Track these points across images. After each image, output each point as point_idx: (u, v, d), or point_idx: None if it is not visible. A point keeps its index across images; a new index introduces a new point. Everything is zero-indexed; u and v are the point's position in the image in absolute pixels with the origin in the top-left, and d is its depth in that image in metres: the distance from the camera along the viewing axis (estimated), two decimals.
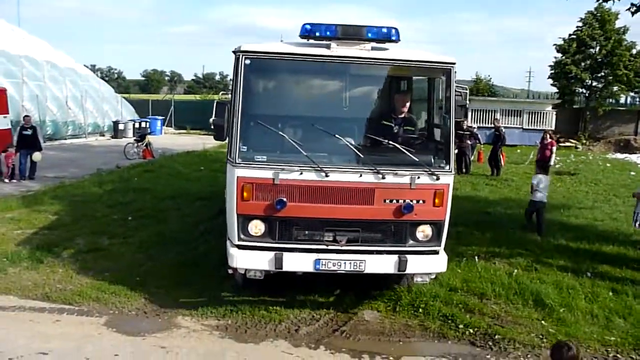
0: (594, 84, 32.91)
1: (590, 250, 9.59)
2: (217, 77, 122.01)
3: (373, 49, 6.42)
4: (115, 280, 7.78)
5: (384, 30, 6.33)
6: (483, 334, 6.55)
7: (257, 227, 6.28)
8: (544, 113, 30.78)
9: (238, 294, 7.24)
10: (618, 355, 6.21)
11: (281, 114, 6.98)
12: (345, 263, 6.28)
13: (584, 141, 31.31)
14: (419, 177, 6.29)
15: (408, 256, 6.36)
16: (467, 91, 6.99)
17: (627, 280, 8.19)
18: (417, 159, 6.33)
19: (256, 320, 6.67)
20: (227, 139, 6.33)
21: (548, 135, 17.28)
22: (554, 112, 30.59)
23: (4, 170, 15.51)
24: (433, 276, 6.86)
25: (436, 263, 6.60)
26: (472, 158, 19.70)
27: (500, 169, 18.57)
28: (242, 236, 6.30)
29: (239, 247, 6.33)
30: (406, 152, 6.34)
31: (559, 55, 33.33)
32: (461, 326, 6.70)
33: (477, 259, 8.75)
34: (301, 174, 6.14)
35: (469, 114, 30.67)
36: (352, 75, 7.08)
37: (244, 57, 6.25)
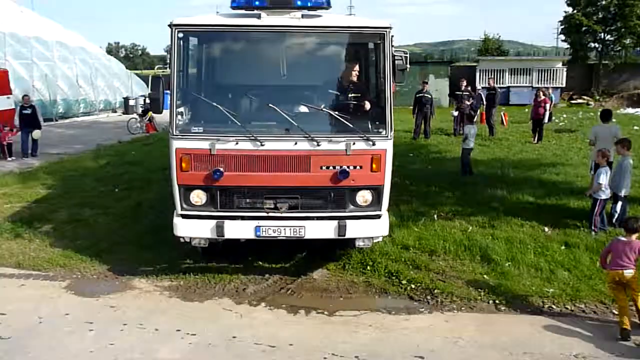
0: (607, 37, 31.85)
1: (556, 206, 9.64)
2: None
3: (304, 16, 6.46)
4: (85, 248, 8.19)
5: None
6: (424, 289, 6.77)
7: (198, 197, 6.48)
8: (554, 70, 30.11)
9: (197, 261, 7.55)
10: (553, 306, 6.36)
11: (217, 85, 7.19)
12: (285, 229, 6.44)
13: (597, 97, 30.59)
14: (354, 144, 6.34)
15: (348, 221, 6.45)
16: (407, 55, 6.97)
17: (583, 232, 8.26)
18: (352, 125, 6.37)
19: (206, 281, 6.99)
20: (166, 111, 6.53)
21: (541, 93, 17.08)
22: (565, 69, 29.88)
23: None
24: (377, 240, 6.96)
25: (377, 227, 6.67)
26: (475, 119, 19.53)
27: (493, 129, 18.40)
28: (184, 206, 6.52)
29: (183, 216, 6.56)
30: (341, 118, 6.40)
31: (570, 9, 32.30)
32: (404, 282, 6.93)
33: (436, 218, 8.90)
34: (237, 143, 6.29)
35: (477, 74, 30.34)
36: (287, 44, 7.13)
37: (176, 30, 6.35)
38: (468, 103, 18.82)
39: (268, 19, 6.37)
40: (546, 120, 17.20)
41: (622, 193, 8.43)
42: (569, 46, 33.65)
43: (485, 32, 39.43)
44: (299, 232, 6.46)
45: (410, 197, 10.26)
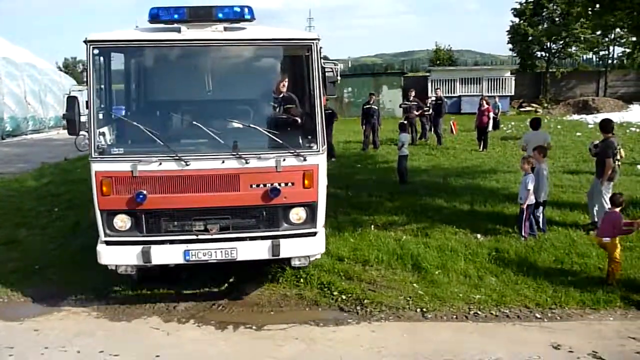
0: (553, 46, 32.97)
1: (491, 213, 9.89)
2: None
3: (227, 29, 6.25)
4: (16, 270, 7.98)
5: (236, 9, 6.16)
6: (354, 300, 6.81)
7: (122, 222, 6.16)
8: (503, 79, 30.96)
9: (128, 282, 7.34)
10: (479, 312, 6.49)
11: (138, 103, 7.06)
12: (215, 252, 6.18)
13: (545, 105, 31.54)
14: (284, 160, 6.16)
15: (282, 240, 6.24)
16: (339, 67, 6.82)
17: (514, 238, 8.49)
18: (281, 141, 6.21)
19: (135, 301, 6.89)
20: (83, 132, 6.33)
21: (484, 102, 17.55)
22: (513, 78, 30.75)
23: None
24: (313, 258, 6.73)
25: (313, 245, 6.47)
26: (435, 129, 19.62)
27: (441, 138, 18.79)
28: (107, 232, 6.18)
29: (107, 243, 6.22)
30: (269, 133, 6.27)
31: (516, 19, 33.32)
32: (335, 293, 6.96)
33: (372, 228, 9.01)
34: (160, 164, 6.03)
35: (429, 84, 30.96)
36: (210, 58, 6.99)
37: (91, 46, 6.07)
38: (416, 113, 19.21)
39: (188, 32, 6.14)
40: (490, 128, 17.67)
41: (541, 199, 8.78)
42: (516, 55, 34.66)
43: (436, 43, 40.11)
44: (231, 254, 6.19)
45: (349, 207, 10.38)
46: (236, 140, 6.19)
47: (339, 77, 6.78)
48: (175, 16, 6.04)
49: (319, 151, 6.29)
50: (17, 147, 22.78)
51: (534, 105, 31.58)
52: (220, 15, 6.12)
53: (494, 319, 6.36)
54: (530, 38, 32.23)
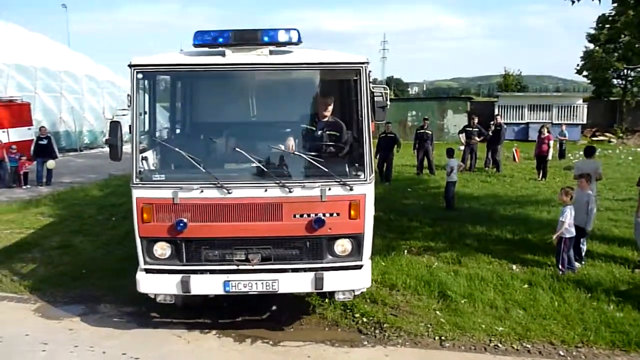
0: (630, 73, 31.43)
1: (534, 244, 9.59)
2: None
3: (272, 52, 6.05)
4: (65, 273, 8.59)
5: (283, 32, 5.95)
6: (375, 323, 6.81)
7: (162, 250, 6.05)
8: (574, 106, 29.82)
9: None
10: (499, 345, 6.32)
11: (182, 128, 7.09)
12: (256, 283, 5.97)
13: (620, 134, 30.03)
14: (330, 189, 5.89)
15: (326, 273, 5.98)
16: (388, 91, 6.45)
17: (550, 271, 8.21)
18: (327, 169, 5.93)
19: (167, 308, 7.17)
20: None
21: (546, 130, 17.04)
22: (585, 105, 29.54)
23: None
24: (357, 292, 6.42)
25: (358, 279, 6.16)
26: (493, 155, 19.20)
27: (499, 165, 18.35)
28: (147, 259, 6.08)
29: (147, 271, 6.13)
30: (315, 161, 5.99)
31: (591, 45, 32.06)
32: (357, 315, 6.98)
33: (405, 252, 8.97)
34: (202, 191, 5.87)
35: (496, 110, 30.29)
36: (255, 82, 6.91)
37: (135, 71, 6.00)
38: (478, 139, 18.89)
39: (233, 56, 5.95)
40: (549, 156, 17.10)
41: (587, 228, 8.51)
42: (589, 82, 33.31)
43: (505, 68, 39.08)
44: (272, 286, 5.96)
45: (388, 231, 10.38)
46: (280, 168, 6.10)
47: (388, 102, 6.45)
48: (220, 40, 5.89)
49: (366, 180, 6.00)
50: (91, 159, 24.27)
51: (607, 134, 30.14)
52: (266, 38, 5.92)
53: (514, 353, 6.18)
54: (604, 65, 30.92)
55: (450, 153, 13.39)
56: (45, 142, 16.99)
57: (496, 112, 30.38)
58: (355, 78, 6.11)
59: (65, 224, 11.82)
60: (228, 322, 6.82)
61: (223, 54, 5.99)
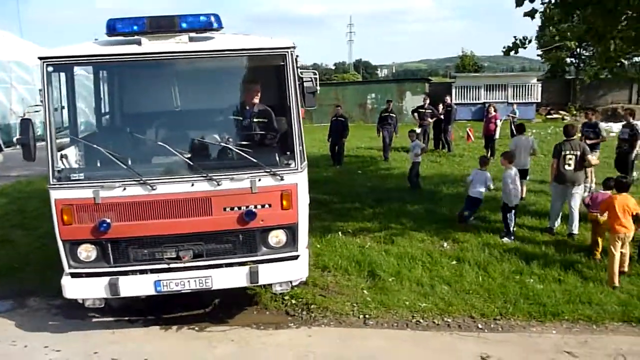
0: (583, 52, 32.08)
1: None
2: None
3: (192, 40, 5.79)
4: None
5: (202, 18, 5.70)
6: (303, 305, 6.91)
7: (87, 252, 5.81)
8: (529, 86, 30.33)
9: None
10: (421, 320, 6.51)
11: (100, 123, 6.90)
12: (189, 281, 5.82)
13: (574, 112, 30.68)
14: (260, 180, 5.77)
15: (260, 266, 5.90)
16: (317, 76, 6.30)
17: (482, 247, 8.48)
18: (255, 160, 5.79)
19: None
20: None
21: (492, 109, 17.32)
22: (539, 85, 30.10)
23: None
24: (295, 283, 6.34)
25: (294, 269, 6.09)
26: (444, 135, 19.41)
27: (450, 145, 18.62)
28: (72, 263, 5.83)
29: (73, 275, 5.88)
30: (243, 152, 5.84)
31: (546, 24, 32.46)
32: (287, 298, 7.07)
33: (340, 234, 9.09)
34: (124, 189, 5.65)
35: (453, 91, 30.61)
36: (176, 72, 6.72)
37: (45, 64, 5.67)
38: (430, 120, 19.09)
39: (149, 45, 5.67)
40: (497, 135, 17.43)
41: (509, 203, 9.01)
42: (543, 62, 33.90)
43: (462, 49, 39.42)
44: (206, 282, 5.84)
45: (328, 213, 10.50)
46: (206, 161, 5.94)
47: (318, 87, 6.34)
48: (135, 28, 5.64)
49: (297, 169, 5.89)
50: (42, 151, 23.67)
51: (561, 112, 30.76)
52: (184, 25, 5.68)
53: (434, 328, 6.38)
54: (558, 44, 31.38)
55: (412, 135, 13.52)
56: None
57: (454, 92, 30.82)
58: (281, 64, 5.88)
59: (6, 218, 11.59)
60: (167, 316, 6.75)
61: (139, 43, 5.72)
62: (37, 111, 6.10)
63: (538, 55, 33.60)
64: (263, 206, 5.84)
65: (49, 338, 6.29)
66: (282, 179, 5.82)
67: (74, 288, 5.87)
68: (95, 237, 5.72)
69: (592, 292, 6.97)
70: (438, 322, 6.49)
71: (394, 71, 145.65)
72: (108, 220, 5.66)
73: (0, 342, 6.21)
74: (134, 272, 5.89)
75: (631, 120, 11.15)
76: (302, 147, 6.02)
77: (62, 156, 5.90)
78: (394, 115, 18.32)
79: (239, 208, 5.81)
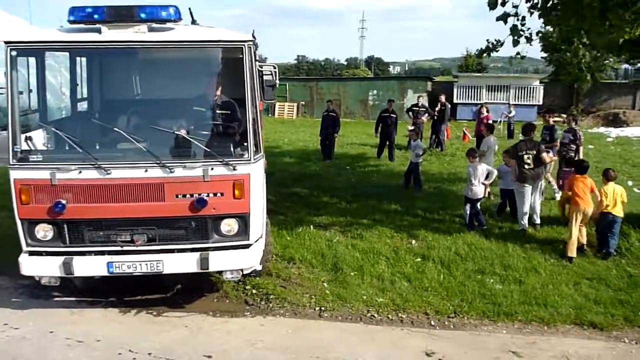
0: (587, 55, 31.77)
1: (442, 220, 9.90)
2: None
3: (152, 30, 5.89)
4: None
5: (161, 9, 5.85)
6: (263, 295, 7.02)
7: (44, 231, 6.00)
8: (531, 87, 30.22)
9: None
10: (375, 315, 6.60)
11: (60, 107, 7.17)
12: (140, 264, 5.99)
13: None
14: (212, 169, 5.92)
15: (211, 253, 6.04)
16: (276, 69, 6.45)
17: (444, 245, 8.55)
18: (208, 149, 5.98)
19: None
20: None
21: (485, 110, 17.30)
22: (542, 87, 29.96)
23: None
24: (246, 271, 6.45)
25: (245, 258, 6.21)
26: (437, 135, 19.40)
27: (442, 145, 18.63)
28: (29, 241, 6.05)
29: (30, 253, 6.09)
30: (196, 141, 6.01)
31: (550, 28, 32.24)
32: (248, 287, 7.18)
33: (311, 228, 9.18)
34: (80, 172, 5.83)
35: (455, 90, 30.55)
36: (135, 60, 6.85)
37: (9, 48, 5.81)
38: (424, 119, 19.09)
39: (109, 33, 5.81)
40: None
41: (468, 196, 9.51)
42: (547, 64, 33.68)
43: (467, 49, 39.14)
44: (157, 266, 6.00)
45: (304, 207, 10.60)
46: (161, 148, 6.01)
47: (277, 81, 6.51)
48: (95, 16, 5.78)
49: (250, 160, 6.03)
50: None
51: (562, 115, 30.54)
52: (143, 15, 5.80)
53: (387, 323, 6.47)
54: (563, 47, 31.18)
55: (412, 134, 13.57)
56: None
57: (456, 92, 30.78)
58: (238, 56, 6.01)
59: None
60: (129, 299, 6.86)
61: (99, 31, 5.85)
62: (1, 94, 6.24)
63: (542, 57, 33.40)
64: (215, 195, 5.98)
65: (9, 315, 6.45)
66: (234, 169, 5.96)
67: (30, 265, 6.07)
68: (51, 217, 5.90)
69: (549, 294, 7.04)
70: (392, 317, 6.58)
71: (406, 69, 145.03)
72: (63, 202, 5.83)
73: None
74: (89, 253, 6.06)
75: (573, 125, 11.27)
76: (258, 138, 6.17)
77: (26, 138, 6.05)
78: (395, 116, 17.15)
79: (191, 195, 5.95)
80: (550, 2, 8.30)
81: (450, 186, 12.89)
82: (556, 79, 32.60)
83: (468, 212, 9.46)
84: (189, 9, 6.81)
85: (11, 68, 5.88)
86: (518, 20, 8.24)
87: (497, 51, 9.07)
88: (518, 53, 8.72)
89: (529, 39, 8.37)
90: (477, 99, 29.68)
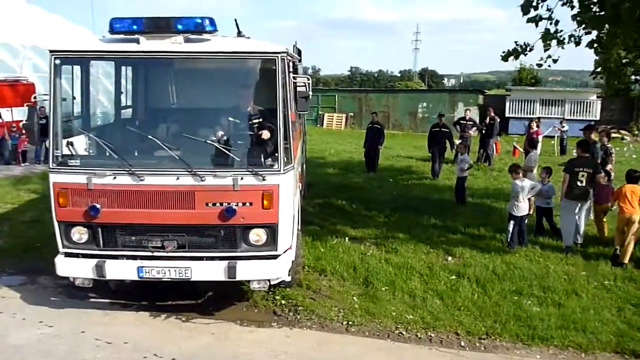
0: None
1: (482, 236, 9.62)
2: (310, 72, 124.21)
3: (188, 40, 6.07)
4: (20, 245, 9.07)
5: (197, 20, 5.99)
6: (292, 306, 6.97)
7: (80, 234, 6.20)
8: (587, 102, 29.14)
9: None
10: (403, 332, 6.45)
11: (99, 115, 7.38)
12: (170, 270, 6.10)
13: (636, 132, 29.19)
14: (242, 178, 5.98)
15: (239, 262, 6.08)
16: (310, 81, 6.48)
17: (488, 262, 8.31)
18: (239, 159, 6.10)
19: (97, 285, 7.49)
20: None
21: (534, 124, 16.75)
22: (599, 102, 28.82)
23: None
24: (274, 282, 6.45)
25: (272, 268, 6.23)
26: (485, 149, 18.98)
27: (490, 159, 18.17)
28: (65, 243, 6.26)
29: (66, 254, 6.30)
30: (227, 151, 6.11)
31: None
32: (278, 297, 7.17)
33: (346, 240, 9.10)
34: (115, 178, 6.02)
35: (507, 104, 29.84)
36: (172, 70, 7.10)
37: (53, 57, 6.11)
38: (471, 132, 18.73)
39: (147, 43, 6.01)
40: (538, 151, 16.83)
41: (513, 213, 9.10)
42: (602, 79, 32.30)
43: (521, 62, 37.89)
44: (185, 273, 6.10)
45: (342, 219, 10.52)
46: (194, 156, 6.13)
47: (310, 92, 6.51)
48: (134, 27, 5.97)
49: (279, 170, 6.07)
50: None
51: (622, 132, 29.32)
52: (180, 26, 5.98)
53: (415, 341, 6.31)
54: (624, 60, 29.93)
55: (459, 148, 13.37)
56: (44, 121, 17.48)
57: (508, 106, 30.05)
58: (272, 67, 6.09)
59: (44, 200, 12.16)
60: (161, 303, 6.96)
61: (137, 42, 6.05)
62: (45, 100, 6.52)
63: (597, 72, 32.03)
64: (244, 204, 6.04)
65: (46, 313, 6.68)
66: (264, 179, 6.01)
67: (65, 267, 6.30)
68: (86, 220, 6.11)
69: (589, 319, 6.69)
70: (421, 335, 6.41)
71: (461, 81, 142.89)
72: (98, 206, 6.03)
73: (2, 312, 6.65)
74: (120, 257, 6.22)
75: (605, 142, 11.01)
76: (289, 149, 6.20)
77: (67, 143, 6.32)
78: (447, 130, 16.22)
79: (221, 204, 6.01)
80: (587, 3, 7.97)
81: (494, 202, 12.53)
82: (615, 94, 31.32)
83: (511, 230, 9.11)
84: (235, 20, 6.90)
85: (55, 76, 6.17)
86: (552, 24, 7.96)
87: (525, 55, 8.81)
88: (549, 56, 8.43)
89: (560, 42, 8.07)
90: (530, 113, 28.90)
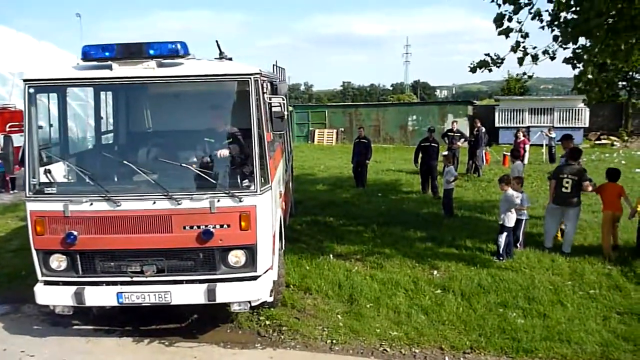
0: (635, 75, 30.63)
1: (469, 248, 9.61)
2: (302, 88, 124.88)
3: (161, 65, 6.08)
4: (6, 274, 8.99)
5: (169, 45, 6.01)
6: (276, 326, 6.96)
7: (58, 262, 6.20)
8: (576, 110, 29.31)
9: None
10: (387, 349, 6.42)
11: (74, 141, 7.36)
12: (149, 295, 6.10)
13: (625, 137, 29.36)
14: (219, 200, 6.01)
15: (219, 284, 6.09)
16: (285, 101, 6.61)
17: (467, 277, 8.28)
18: (215, 181, 6.14)
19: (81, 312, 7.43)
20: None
21: (521, 134, 16.93)
22: (587, 109, 28.97)
23: None
24: (255, 303, 6.43)
25: (253, 290, 6.22)
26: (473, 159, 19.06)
27: (479, 170, 18.24)
28: (44, 271, 6.26)
29: (45, 282, 6.30)
30: (203, 173, 6.14)
31: None
32: (262, 318, 7.15)
33: (331, 257, 9.09)
34: (91, 204, 6.02)
35: (496, 114, 29.99)
36: (148, 95, 7.16)
37: (27, 86, 6.13)
38: (459, 144, 18.81)
39: (120, 69, 6.02)
40: (525, 161, 16.96)
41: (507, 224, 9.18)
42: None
43: (509, 71, 38.16)
44: (165, 297, 6.09)
45: (326, 235, 10.51)
46: (169, 180, 6.15)
47: (286, 112, 6.65)
48: (106, 54, 5.97)
49: (256, 191, 6.09)
50: None
51: (611, 137, 29.51)
52: (152, 51, 5.99)
53: (398, 357, 6.29)
54: (612, 67, 30.18)
55: (447, 160, 13.39)
56: None
57: (497, 116, 30.20)
58: (246, 89, 6.13)
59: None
60: (145, 328, 6.94)
61: (110, 67, 6.08)
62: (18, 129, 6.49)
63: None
64: (222, 226, 6.05)
65: (28, 343, 6.64)
66: (240, 201, 6.03)
67: (44, 295, 6.28)
68: (64, 248, 6.10)
69: (574, 329, 6.67)
70: (405, 352, 6.38)
71: (453, 92, 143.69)
72: (75, 233, 6.04)
73: None
74: (100, 284, 6.21)
75: None
76: (265, 169, 6.21)
77: (45, 171, 6.31)
78: (436, 145, 15.55)
79: (198, 227, 6.03)
80: (562, 20, 8.09)
81: (482, 214, 12.54)
82: (604, 101, 31.45)
83: (503, 242, 9.04)
84: (217, 41, 6.95)
85: (29, 104, 6.19)
86: (522, 37, 8.06)
87: (498, 67, 8.85)
88: (524, 73, 8.51)
89: (534, 58, 8.16)
90: (519, 122, 29.06)
